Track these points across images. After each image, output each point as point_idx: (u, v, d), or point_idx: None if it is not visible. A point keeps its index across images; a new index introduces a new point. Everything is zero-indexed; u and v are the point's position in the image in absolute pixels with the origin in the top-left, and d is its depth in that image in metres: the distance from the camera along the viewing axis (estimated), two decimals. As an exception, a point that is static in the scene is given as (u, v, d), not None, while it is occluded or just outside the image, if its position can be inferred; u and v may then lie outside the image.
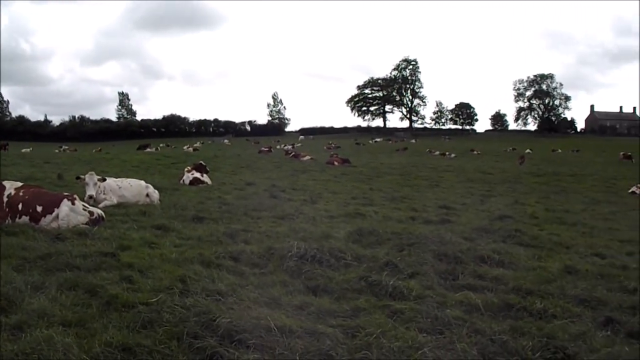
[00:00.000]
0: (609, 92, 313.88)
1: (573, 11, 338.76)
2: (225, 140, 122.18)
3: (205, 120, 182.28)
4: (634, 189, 29.31)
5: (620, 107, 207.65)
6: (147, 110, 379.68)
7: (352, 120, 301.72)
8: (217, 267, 9.82)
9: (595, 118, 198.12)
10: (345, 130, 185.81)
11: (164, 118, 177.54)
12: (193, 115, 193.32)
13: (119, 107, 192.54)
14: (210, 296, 8.00)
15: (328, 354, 6.28)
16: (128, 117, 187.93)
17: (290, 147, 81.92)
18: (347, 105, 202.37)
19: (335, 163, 44.97)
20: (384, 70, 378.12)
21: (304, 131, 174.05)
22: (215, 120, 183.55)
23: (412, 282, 9.28)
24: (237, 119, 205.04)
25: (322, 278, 9.43)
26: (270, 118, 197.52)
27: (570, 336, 7.00)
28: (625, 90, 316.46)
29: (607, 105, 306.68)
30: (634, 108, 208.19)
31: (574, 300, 8.68)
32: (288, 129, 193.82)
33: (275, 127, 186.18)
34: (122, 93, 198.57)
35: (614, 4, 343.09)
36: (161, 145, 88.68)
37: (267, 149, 70.29)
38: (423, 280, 9.59)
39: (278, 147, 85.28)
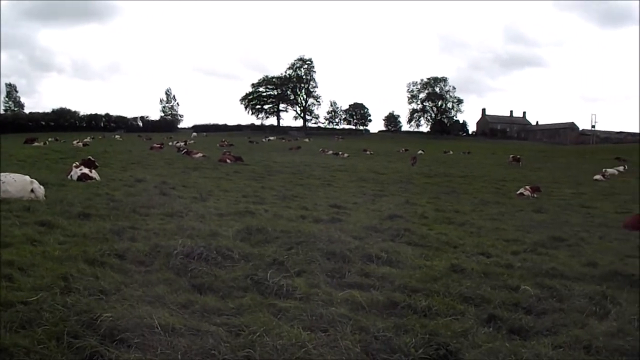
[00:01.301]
0: (498, 97, 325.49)
1: (466, 16, 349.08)
2: (117, 136, 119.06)
3: (96, 114, 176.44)
4: (522, 190, 30.54)
5: (511, 111, 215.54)
6: (36, 103, 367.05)
7: (246, 118, 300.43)
8: (102, 265, 9.61)
9: (486, 121, 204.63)
10: (239, 128, 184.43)
11: (54, 111, 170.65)
12: (84, 110, 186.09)
13: (6, 99, 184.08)
14: (92, 295, 7.83)
15: (210, 353, 6.24)
16: (16, 109, 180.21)
17: (182, 144, 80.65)
18: (242, 103, 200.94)
19: (228, 161, 44.70)
20: (279, 68, 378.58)
21: (197, 128, 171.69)
22: (107, 115, 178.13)
23: (298, 281, 9.32)
24: (129, 114, 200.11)
25: (208, 276, 9.35)
26: (163, 114, 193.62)
27: (453, 333, 7.18)
28: (514, 95, 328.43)
29: (498, 109, 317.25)
30: (524, 112, 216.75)
31: (459, 298, 8.94)
32: (181, 125, 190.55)
33: (168, 123, 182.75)
34: (10, 85, 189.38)
35: (505, 11, 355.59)
36: (50, 139, 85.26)
37: (159, 146, 69.08)
38: (310, 278, 9.63)
39: (170, 143, 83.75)
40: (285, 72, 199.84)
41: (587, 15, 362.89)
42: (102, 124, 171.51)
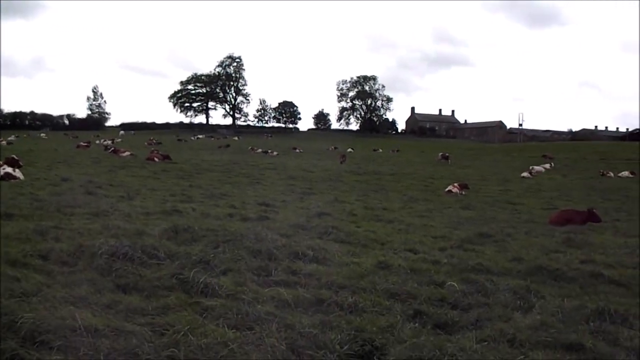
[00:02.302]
0: (427, 95, 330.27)
1: (394, 16, 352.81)
2: (42, 134, 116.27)
3: (20, 112, 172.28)
4: (450, 187, 31.05)
5: (440, 110, 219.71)
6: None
7: (174, 116, 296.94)
8: (24, 266, 9.39)
9: (415, 119, 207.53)
10: (167, 126, 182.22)
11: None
12: (7, 107, 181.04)
13: None
14: (14, 297, 7.64)
15: (134, 353, 6.18)
16: None
17: (109, 142, 79.33)
18: (170, 101, 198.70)
19: (156, 159, 44.20)
20: (208, 66, 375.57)
21: (125, 126, 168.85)
22: (32, 113, 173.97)
23: (224, 279, 9.30)
24: (55, 112, 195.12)
25: (133, 276, 9.23)
26: (90, 112, 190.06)
27: (378, 328, 7.27)
28: (442, 94, 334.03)
29: (427, 107, 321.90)
30: (452, 111, 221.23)
31: (385, 294, 9.03)
32: (108, 123, 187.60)
33: (95, 121, 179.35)
34: None
35: (433, 11, 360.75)
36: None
37: (85, 144, 67.71)
38: (236, 276, 9.60)
39: (97, 142, 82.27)
40: (215, 70, 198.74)
41: (514, 16, 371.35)
42: (26, 122, 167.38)
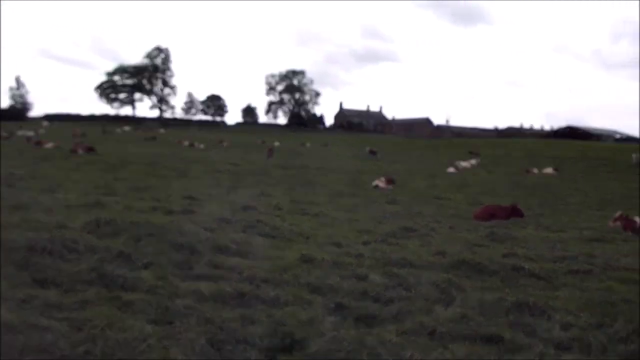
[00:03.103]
0: (354, 90, 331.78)
1: (321, 10, 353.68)
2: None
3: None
4: (376, 182, 31.27)
5: (368, 105, 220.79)
6: None
7: (100, 107, 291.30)
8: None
9: (343, 114, 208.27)
10: (92, 117, 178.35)
11: None
12: None
13: None
14: None
15: (49, 349, 6.01)
16: None
17: (33, 133, 77.40)
18: (96, 92, 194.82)
19: (80, 151, 43.27)
20: (134, 57, 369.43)
21: (49, 117, 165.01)
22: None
23: (145, 273, 9.17)
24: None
25: (51, 270, 8.96)
26: (12, 102, 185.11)
27: (299, 322, 7.26)
28: (370, 89, 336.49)
29: (355, 102, 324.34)
30: (381, 107, 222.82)
31: (307, 288, 9.05)
32: (32, 114, 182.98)
33: (18, 111, 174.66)
34: None
35: (360, 6, 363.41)
36: None
37: (7, 136, 65.88)
38: (157, 270, 9.46)
39: (20, 133, 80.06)
40: (141, 61, 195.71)
41: (442, 13, 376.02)
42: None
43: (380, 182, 31.22)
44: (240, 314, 7.45)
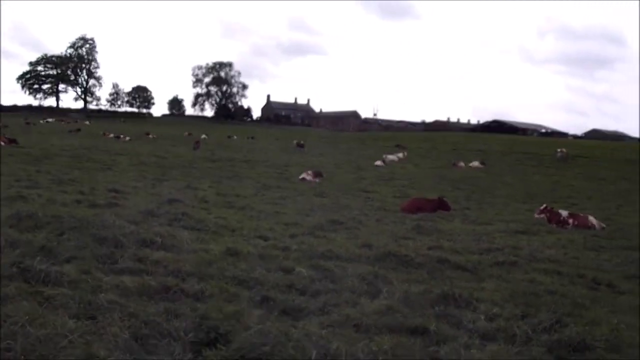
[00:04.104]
0: (282, 83, 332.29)
1: (248, 1, 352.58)
2: None
3: None
4: (304, 175, 31.32)
5: (295, 98, 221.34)
6: None
7: (23, 98, 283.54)
8: None
9: (271, 107, 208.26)
10: (15, 108, 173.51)
11: None
12: None
13: None
14: None
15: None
16: None
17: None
18: (18, 83, 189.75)
19: (2, 143, 42.01)
20: (59, 47, 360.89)
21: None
22: None
23: (67, 267, 9.00)
24: None
25: (-30, 266, 8.73)
26: None
27: (225, 315, 7.22)
28: (297, 82, 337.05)
29: (283, 95, 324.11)
30: (308, 100, 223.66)
31: (233, 281, 9.03)
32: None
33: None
34: None
35: (289, 0, 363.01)
36: None
37: None
38: (80, 264, 9.30)
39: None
40: (66, 51, 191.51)
41: (369, 7, 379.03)
42: None
43: (308, 175, 31.29)
44: (164, 308, 7.38)
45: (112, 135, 73.31)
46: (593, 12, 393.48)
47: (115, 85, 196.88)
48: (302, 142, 68.28)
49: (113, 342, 6.24)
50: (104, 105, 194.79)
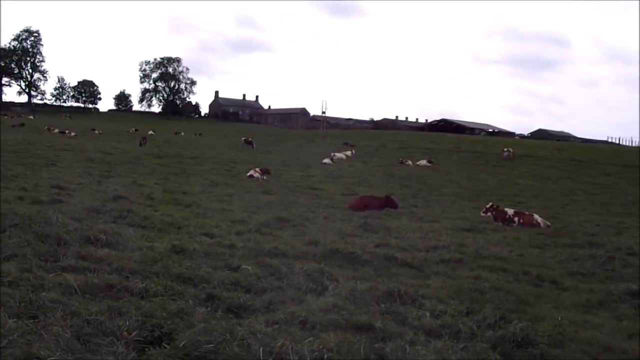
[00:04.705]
0: (230, 80, 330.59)
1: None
2: None
3: None
4: (251, 172, 31.26)
5: (244, 95, 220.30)
6: None
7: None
8: None
9: (219, 104, 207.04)
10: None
11: None
12: None
13: None
14: None
15: None
16: None
17: None
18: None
19: (-61, 138, 41.08)
20: (2, 40, 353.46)
21: None
22: None
23: (8, 265, 8.89)
24: None
25: None
26: None
27: (169, 314, 7.19)
28: (246, 78, 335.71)
29: (231, 92, 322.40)
30: (257, 96, 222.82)
31: (178, 279, 8.99)
32: None
33: None
34: None
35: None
36: None
37: None
38: (21, 262, 9.16)
39: None
40: (9, 44, 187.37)
41: (317, 4, 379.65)
42: None
43: (255, 173, 31.26)
44: (108, 307, 7.32)
45: (57, 130, 72.07)
46: (538, 14, 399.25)
47: (60, 79, 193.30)
48: (250, 139, 67.95)
49: (55, 342, 6.16)
50: (49, 99, 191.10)
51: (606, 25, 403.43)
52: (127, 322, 6.75)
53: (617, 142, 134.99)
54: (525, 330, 7.60)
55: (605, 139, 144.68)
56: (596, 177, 47.69)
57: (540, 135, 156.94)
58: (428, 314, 8.26)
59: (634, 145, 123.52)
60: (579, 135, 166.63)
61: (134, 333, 6.54)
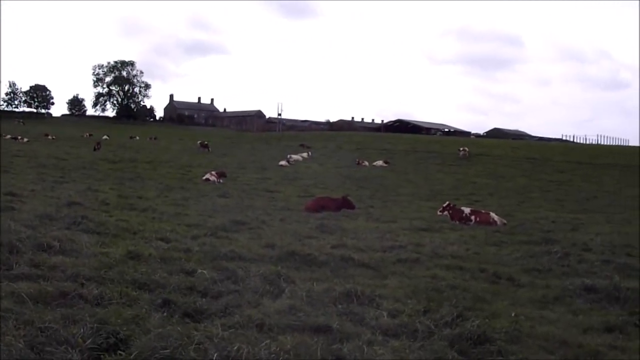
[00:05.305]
0: (184, 83, 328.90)
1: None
2: None
3: None
4: (207, 176, 31.16)
5: (199, 98, 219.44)
6: None
7: None
8: None
9: (174, 107, 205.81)
10: None
11: None
12: None
13: None
14: None
15: None
16: None
17: None
18: None
19: None
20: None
21: None
22: None
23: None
24: None
25: None
26: None
27: (124, 320, 7.17)
28: (200, 81, 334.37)
29: (186, 95, 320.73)
30: (212, 99, 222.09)
31: (133, 285, 8.95)
32: None
33: None
34: None
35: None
36: None
37: None
38: (-28, 273, 9.01)
39: None
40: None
41: (269, 6, 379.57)
42: None
43: (212, 176, 31.16)
44: (62, 315, 7.26)
45: (9, 136, 70.95)
46: (491, 14, 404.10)
47: (11, 84, 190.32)
48: (206, 142, 67.56)
49: (7, 352, 6.11)
50: (0, 105, 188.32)
51: (559, 25, 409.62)
52: (82, 330, 6.69)
53: (572, 140, 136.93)
54: (482, 327, 7.70)
55: (559, 137, 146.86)
56: (551, 175, 48.44)
57: (496, 134, 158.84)
58: (385, 314, 8.33)
59: (587, 142, 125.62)
60: (533, 134, 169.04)
61: (89, 341, 6.49)
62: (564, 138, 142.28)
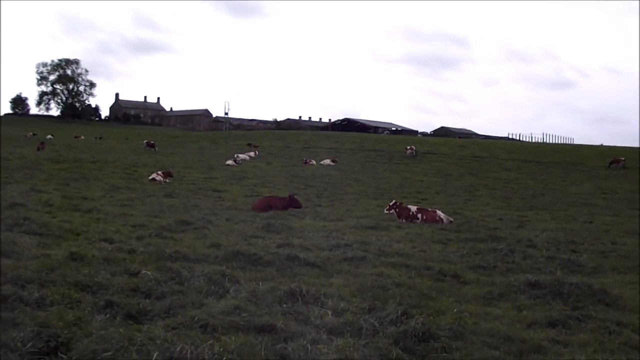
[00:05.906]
0: (130, 81, 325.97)
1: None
2: None
3: None
4: (153, 176, 30.92)
5: (145, 97, 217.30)
6: None
7: None
8: None
9: (119, 106, 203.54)
10: None
11: None
12: None
13: None
14: None
15: None
16: None
17: None
18: None
19: None
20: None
21: None
22: None
23: None
24: None
25: None
26: None
27: (65, 323, 7.07)
28: (147, 80, 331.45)
29: (132, 94, 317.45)
30: (158, 98, 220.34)
31: (75, 287, 8.84)
32: None
33: None
34: None
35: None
36: None
37: None
38: None
39: None
40: None
41: (217, 5, 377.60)
42: None
43: (158, 176, 30.96)
44: (1, 318, 7.14)
45: (-53, 137, 69.46)
46: (438, 14, 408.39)
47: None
48: (152, 141, 66.89)
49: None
50: None
51: (504, 25, 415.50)
52: (22, 333, 6.59)
53: (518, 138, 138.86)
54: (427, 324, 7.79)
55: (505, 135, 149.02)
56: (497, 173, 49.25)
57: (443, 132, 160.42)
58: (330, 313, 8.36)
59: (533, 141, 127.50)
60: (480, 132, 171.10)
61: (29, 344, 6.41)
62: (510, 137, 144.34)
